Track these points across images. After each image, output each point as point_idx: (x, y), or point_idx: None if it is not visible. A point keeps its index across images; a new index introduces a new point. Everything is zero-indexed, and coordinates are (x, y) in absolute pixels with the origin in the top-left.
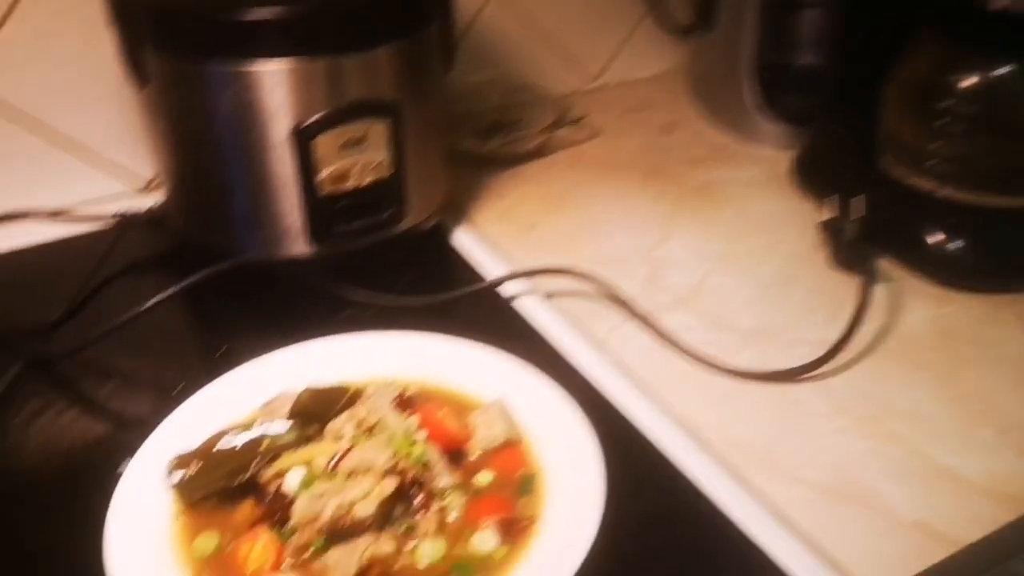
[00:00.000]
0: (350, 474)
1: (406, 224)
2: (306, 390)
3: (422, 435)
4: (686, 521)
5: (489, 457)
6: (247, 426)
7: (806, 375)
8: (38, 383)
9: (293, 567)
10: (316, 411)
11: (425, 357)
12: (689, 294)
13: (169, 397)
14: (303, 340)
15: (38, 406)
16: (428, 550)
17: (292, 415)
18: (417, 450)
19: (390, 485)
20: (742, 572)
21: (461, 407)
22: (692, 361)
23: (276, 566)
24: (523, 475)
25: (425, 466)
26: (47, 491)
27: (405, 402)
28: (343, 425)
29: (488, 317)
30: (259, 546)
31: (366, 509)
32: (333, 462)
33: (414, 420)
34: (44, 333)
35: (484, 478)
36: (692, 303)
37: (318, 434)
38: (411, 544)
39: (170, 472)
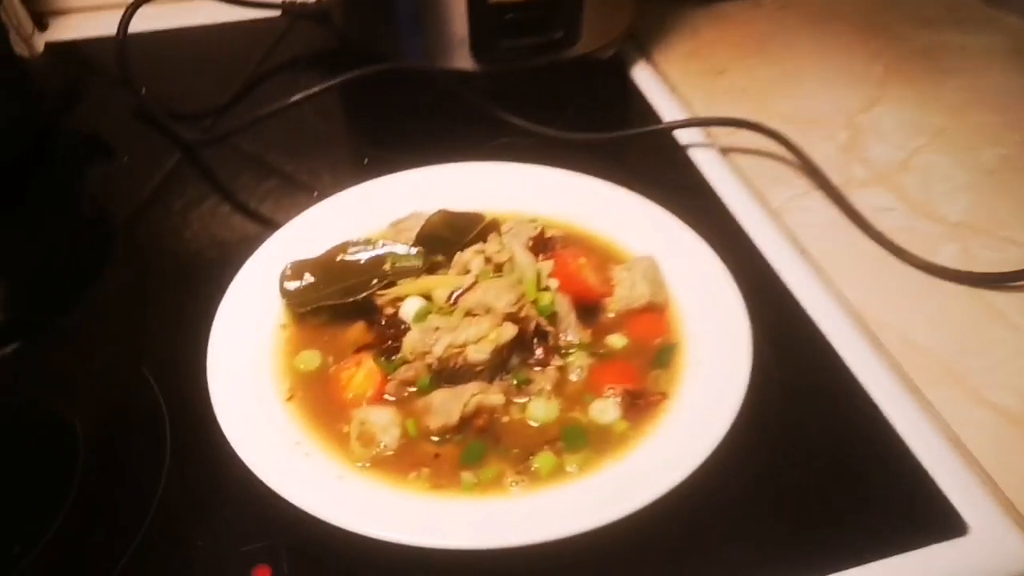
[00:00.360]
0: (469, 313)
1: (579, 50)
2: (439, 212)
3: (554, 283)
4: (843, 426)
5: (626, 319)
6: (372, 243)
7: (1017, 283)
8: (194, 169)
9: (395, 402)
10: (445, 237)
11: (575, 198)
12: (891, 170)
13: (307, 198)
14: (451, 160)
15: (189, 194)
16: (540, 409)
17: (420, 239)
18: (546, 298)
19: (509, 332)
20: (900, 493)
21: (605, 259)
22: (881, 248)
23: (376, 397)
24: (661, 345)
25: (552, 318)
26: (177, 274)
27: (543, 243)
28: (471, 258)
29: (655, 164)
30: (362, 373)
31: (479, 353)
32: (453, 297)
33: (548, 265)
34: (204, 118)
35: (617, 341)
36: (893, 181)
37: (444, 265)
38: (523, 400)
39: (284, 280)
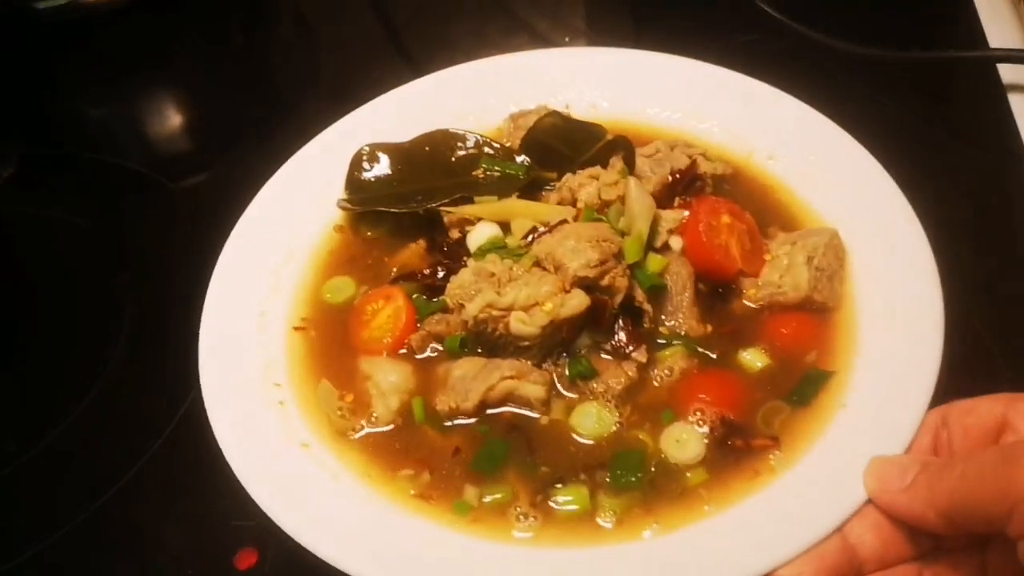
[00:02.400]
0: (539, 263)
1: None
2: (551, 114)
3: (677, 243)
4: None
5: (770, 317)
6: (473, 139)
7: None
8: None
9: (415, 360)
10: (557, 150)
11: (766, 124)
12: None
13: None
14: (671, 47)
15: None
16: (589, 419)
17: (525, 145)
18: (654, 264)
19: (575, 304)
20: None
21: (771, 222)
22: None
23: (395, 347)
24: (811, 368)
25: (656, 292)
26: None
27: (689, 182)
28: (582, 185)
29: (953, 104)
30: (388, 310)
31: (525, 325)
32: (534, 235)
33: (676, 216)
34: None
35: (752, 359)
36: None
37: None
38: (572, 396)
39: (356, 164)
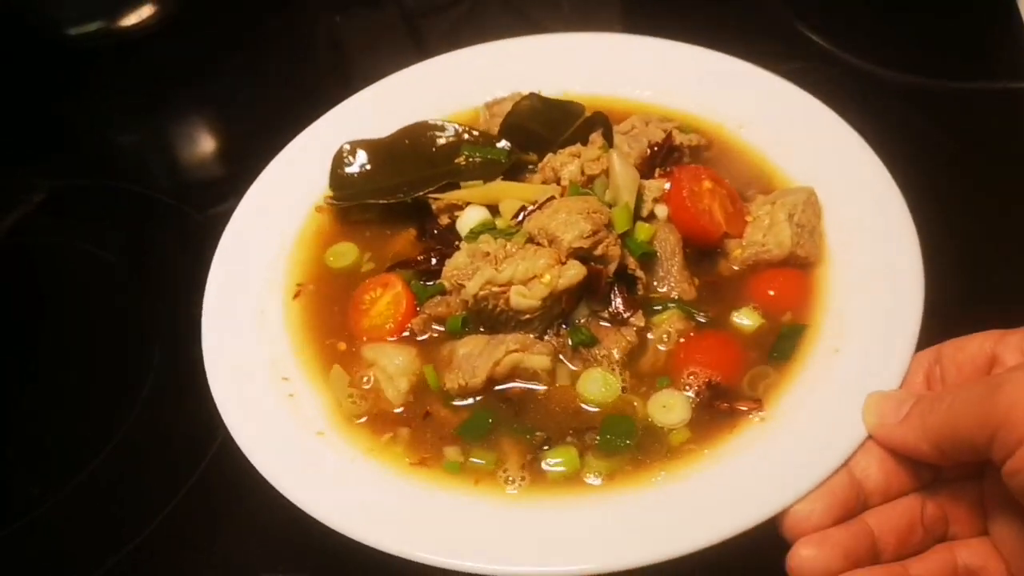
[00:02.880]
0: (532, 239)
1: None
2: (529, 96)
3: (663, 211)
4: None
5: (752, 275)
6: (452, 128)
7: None
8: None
9: (418, 342)
10: (537, 132)
11: (732, 94)
12: None
13: None
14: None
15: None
16: (595, 385)
17: (505, 130)
18: (643, 232)
19: (571, 274)
20: None
21: (748, 185)
22: None
23: (396, 330)
24: (789, 324)
25: (647, 259)
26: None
27: (667, 153)
28: (564, 164)
29: (999, 136)
30: (387, 297)
31: (526, 298)
32: (523, 214)
33: (659, 185)
34: None
35: (745, 319)
36: None
37: (532, 170)
38: (575, 366)
39: (339, 162)
